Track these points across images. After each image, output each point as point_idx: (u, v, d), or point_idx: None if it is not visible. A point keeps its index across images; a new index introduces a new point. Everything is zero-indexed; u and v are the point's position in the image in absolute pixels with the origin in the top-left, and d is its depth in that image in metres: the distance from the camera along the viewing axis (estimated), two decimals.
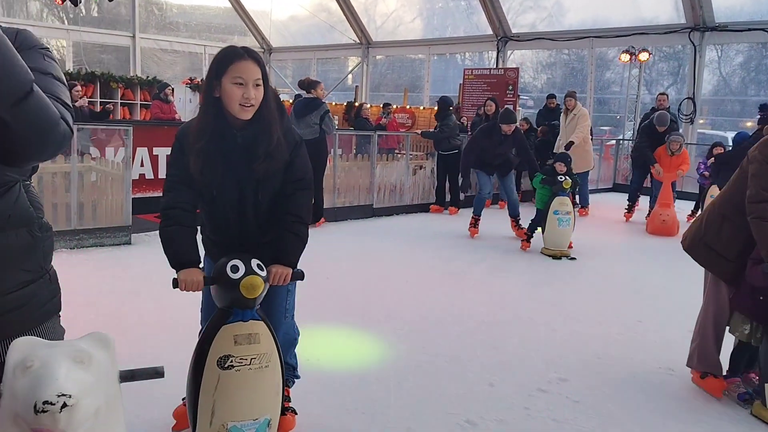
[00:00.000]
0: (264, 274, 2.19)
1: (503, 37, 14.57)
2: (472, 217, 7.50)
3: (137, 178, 8.27)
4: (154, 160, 8.92)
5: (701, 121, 13.04)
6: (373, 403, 3.08)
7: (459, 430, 2.85)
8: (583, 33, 13.64)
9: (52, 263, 1.53)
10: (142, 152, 8.59)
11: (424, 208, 9.33)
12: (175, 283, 2.23)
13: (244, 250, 2.32)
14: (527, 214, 7.42)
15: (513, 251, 6.81)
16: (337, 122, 9.58)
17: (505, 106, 9.44)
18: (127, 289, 4.71)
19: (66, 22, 15.62)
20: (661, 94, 9.74)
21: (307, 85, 7.64)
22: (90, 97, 11.76)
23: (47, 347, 1.19)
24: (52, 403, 1.05)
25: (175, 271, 2.26)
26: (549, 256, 6.51)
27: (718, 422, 3.05)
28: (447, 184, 9.36)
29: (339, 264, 5.84)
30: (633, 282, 5.71)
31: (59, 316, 1.54)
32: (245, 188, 2.33)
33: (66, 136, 1.28)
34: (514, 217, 7.54)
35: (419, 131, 10.19)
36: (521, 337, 4.11)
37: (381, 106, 12.78)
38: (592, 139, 9.88)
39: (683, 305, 4.83)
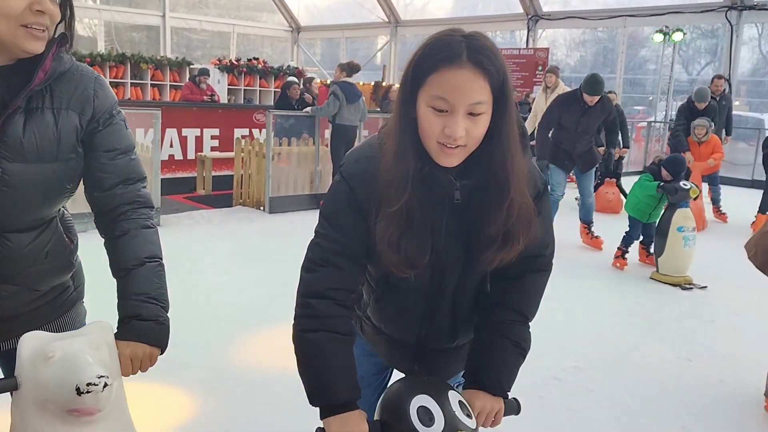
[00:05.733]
0: (473, 423, 1.31)
1: (534, 16, 14.34)
2: None
3: (166, 158, 8.44)
4: (183, 140, 9.07)
5: (736, 103, 12.68)
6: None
7: None
8: (616, 11, 13.35)
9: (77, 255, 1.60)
10: (172, 133, 8.74)
11: None
12: None
13: (420, 358, 1.54)
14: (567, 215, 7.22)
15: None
16: None
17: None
18: None
19: (98, 1, 15.80)
20: (717, 77, 8.57)
21: (353, 68, 7.63)
22: (120, 79, 11.97)
23: (60, 339, 1.29)
24: (95, 384, 1.18)
25: (318, 408, 1.30)
26: (671, 284, 5.06)
27: (735, 415, 3.03)
28: None
29: None
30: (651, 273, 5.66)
31: (82, 302, 1.64)
32: (449, 266, 1.41)
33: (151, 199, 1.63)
34: (587, 222, 6.24)
35: None
36: (539, 326, 4.09)
37: None
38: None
39: (704, 295, 4.79)
